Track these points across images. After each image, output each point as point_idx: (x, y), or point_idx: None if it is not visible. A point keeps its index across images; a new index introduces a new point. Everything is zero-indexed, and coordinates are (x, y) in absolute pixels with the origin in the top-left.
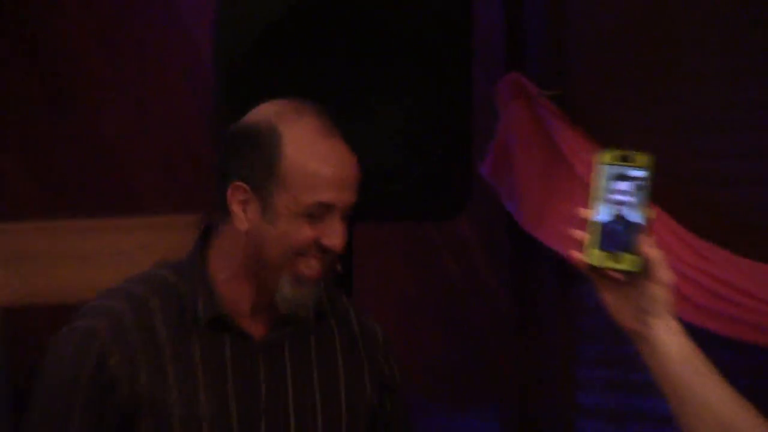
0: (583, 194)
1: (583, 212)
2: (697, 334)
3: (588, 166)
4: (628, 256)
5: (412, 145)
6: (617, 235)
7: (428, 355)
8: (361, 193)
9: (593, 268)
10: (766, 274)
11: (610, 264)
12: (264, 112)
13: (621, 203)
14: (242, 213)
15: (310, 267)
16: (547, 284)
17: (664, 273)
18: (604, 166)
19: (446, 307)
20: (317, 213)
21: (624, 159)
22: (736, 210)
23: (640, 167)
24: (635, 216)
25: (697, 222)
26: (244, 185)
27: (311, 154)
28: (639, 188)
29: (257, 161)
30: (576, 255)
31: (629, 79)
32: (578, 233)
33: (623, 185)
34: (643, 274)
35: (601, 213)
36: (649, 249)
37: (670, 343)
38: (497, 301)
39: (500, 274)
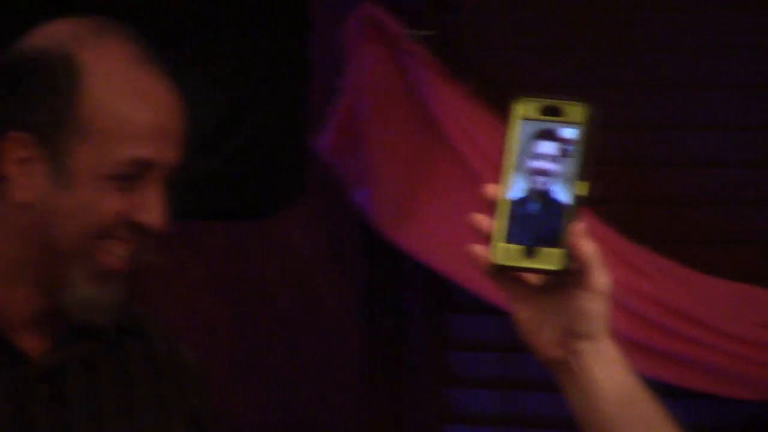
0: (467, 181)
1: (490, 189)
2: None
3: (473, 140)
4: (548, 251)
5: (217, 114)
6: (534, 221)
7: (244, 407)
8: None
9: (500, 269)
10: (739, 298)
11: (523, 262)
12: (51, 34)
13: (542, 173)
14: (21, 176)
15: (116, 255)
16: (412, 311)
17: (599, 277)
18: (520, 120)
19: (269, 344)
20: (130, 175)
21: (549, 111)
22: (686, 200)
23: (570, 123)
24: (561, 193)
25: (634, 222)
26: (24, 136)
27: (124, 90)
28: (568, 153)
29: (43, 102)
30: (478, 251)
31: (543, 17)
32: (481, 219)
33: (546, 148)
34: (570, 277)
35: (514, 189)
36: (580, 241)
37: (604, 377)
38: (343, 335)
39: (347, 296)
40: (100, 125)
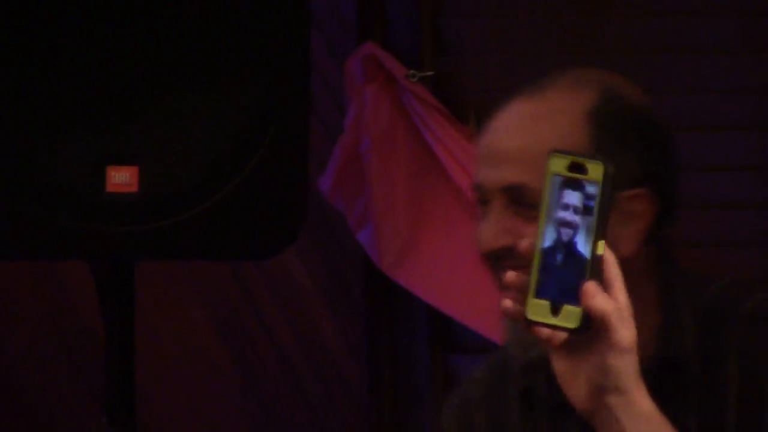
0: (466, 219)
1: (526, 243)
2: None
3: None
4: (569, 309)
5: (219, 150)
6: (558, 274)
7: None
8: (151, 219)
9: (530, 324)
10: None
11: (548, 319)
12: None
13: (567, 225)
14: None
15: (499, 284)
16: (414, 350)
17: (620, 333)
18: (553, 176)
19: (272, 382)
20: (478, 201)
21: (574, 168)
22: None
23: (591, 180)
24: (582, 247)
25: None
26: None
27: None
28: (588, 209)
29: None
30: (509, 306)
31: (539, 56)
32: (513, 276)
33: (573, 199)
34: (592, 334)
35: (547, 240)
36: (591, 300)
37: (634, 430)
38: (344, 374)
39: (348, 335)
40: None
